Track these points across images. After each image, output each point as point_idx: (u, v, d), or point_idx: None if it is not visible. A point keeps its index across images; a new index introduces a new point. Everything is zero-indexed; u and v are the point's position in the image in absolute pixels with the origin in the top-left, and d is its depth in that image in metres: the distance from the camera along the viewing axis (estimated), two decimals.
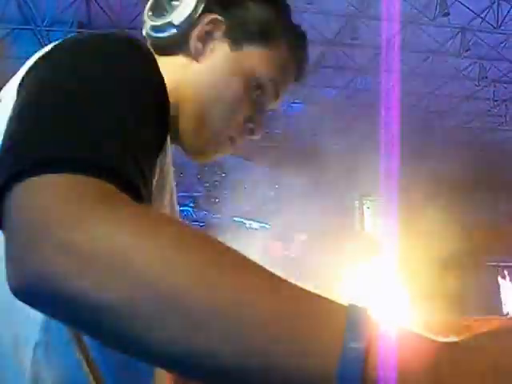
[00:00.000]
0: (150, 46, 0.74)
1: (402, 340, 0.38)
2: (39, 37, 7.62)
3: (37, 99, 0.51)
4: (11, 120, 0.50)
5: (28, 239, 0.42)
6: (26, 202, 0.43)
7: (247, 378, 0.38)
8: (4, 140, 0.49)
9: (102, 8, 7.31)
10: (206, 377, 0.39)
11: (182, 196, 8.69)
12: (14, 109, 0.51)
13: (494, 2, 7.97)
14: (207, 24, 0.75)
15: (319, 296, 0.41)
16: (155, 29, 0.77)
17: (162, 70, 0.60)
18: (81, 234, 0.40)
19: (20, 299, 0.43)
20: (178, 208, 0.78)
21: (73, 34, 0.61)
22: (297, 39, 0.81)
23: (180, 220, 0.56)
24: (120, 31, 0.62)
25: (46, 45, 0.63)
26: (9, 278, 0.43)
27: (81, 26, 7.54)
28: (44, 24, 7.42)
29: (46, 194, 0.43)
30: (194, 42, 0.75)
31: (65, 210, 0.42)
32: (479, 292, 11.14)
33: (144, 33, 0.80)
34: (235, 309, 0.38)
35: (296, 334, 0.38)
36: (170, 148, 0.71)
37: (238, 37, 0.75)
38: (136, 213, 0.44)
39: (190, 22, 0.75)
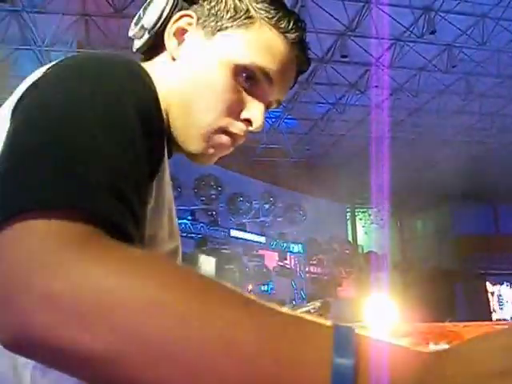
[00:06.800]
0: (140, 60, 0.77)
1: (390, 355, 0.39)
2: (39, 56, 7.84)
3: (22, 138, 0.49)
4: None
5: (9, 291, 0.40)
6: (5, 251, 0.42)
7: None
8: None
9: (99, 28, 7.56)
10: None
11: (180, 209, 8.83)
12: (4, 142, 0.50)
13: (479, 20, 8.19)
14: (178, 20, 0.75)
15: (303, 318, 0.41)
16: (134, 37, 0.78)
17: (152, 77, 0.62)
18: (61, 284, 0.39)
19: (9, 350, 0.41)
20: (176, 221, 0.76)
21: (69, 56, 0.61)
22: (282, 20, 0.74)
23: (160, 257, 0.56)
24: (115, 54, 0.61)
25: (46, 63, 0.65)
26: None
27: (80, 45, 7.80)
28: (44, 44, 7.65)
29: (26, 242, 0.42)
30: (168, 41, 0.74)
31: (44, 258, 0.40)
32: (469, 299, 11.34)
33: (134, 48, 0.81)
34: (222, 347, 0.38)
35: (285, 361, 0.38)
36: (168, 163, 0.69)
37: (210, 26, 0.73)
38: (116, 258, 0.42)
39: (161, 22, 0.75)
